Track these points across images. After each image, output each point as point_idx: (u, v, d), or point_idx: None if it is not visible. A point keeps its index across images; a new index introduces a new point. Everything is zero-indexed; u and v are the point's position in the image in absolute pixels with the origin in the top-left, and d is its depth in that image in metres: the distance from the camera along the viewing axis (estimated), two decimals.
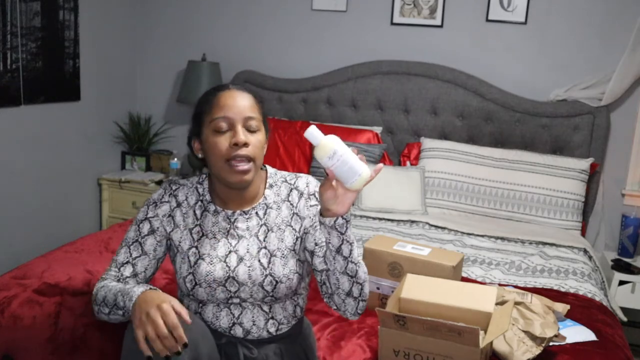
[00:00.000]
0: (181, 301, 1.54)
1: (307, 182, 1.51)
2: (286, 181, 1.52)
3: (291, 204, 1.49)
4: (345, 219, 1.31)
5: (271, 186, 1.51)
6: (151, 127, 3.91)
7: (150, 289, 1.33)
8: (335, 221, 1.31)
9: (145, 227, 1.49)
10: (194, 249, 1.47)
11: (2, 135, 2.93)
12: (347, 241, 1.34)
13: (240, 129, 1.39)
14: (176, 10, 3.82)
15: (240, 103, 1.41)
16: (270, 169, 1.54)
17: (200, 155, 1.48)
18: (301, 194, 1.49)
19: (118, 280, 1.46)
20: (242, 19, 3.71)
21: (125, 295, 1.34)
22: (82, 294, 1.87)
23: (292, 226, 1.47)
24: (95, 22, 3.47)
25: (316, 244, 1.42)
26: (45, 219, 3.27)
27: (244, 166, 1.39)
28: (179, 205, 1.50)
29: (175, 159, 3.59)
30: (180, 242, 1.49)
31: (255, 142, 1.41)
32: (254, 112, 1.42)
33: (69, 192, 3.44)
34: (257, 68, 3.69)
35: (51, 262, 2.09)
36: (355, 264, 1.37)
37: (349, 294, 1.39)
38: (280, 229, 1.47)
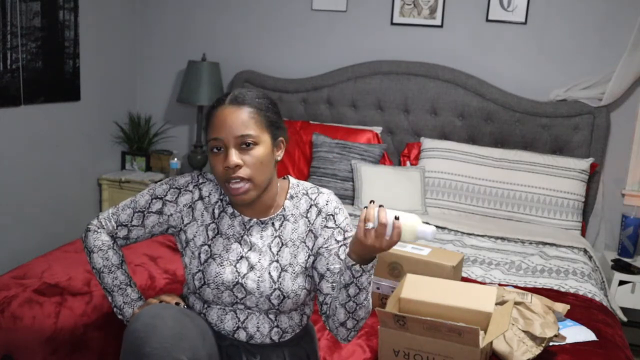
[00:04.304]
0: (186, 300, 1.54)
1: (328, 200, 1.46)
2: (307, 194, 1.48)
3: (308, 221, 1.46)
4: (363, 269, 1.30)
5: (292, 197, 1.48)
6: (151, 127, 3.91)
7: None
8: (352, 265, 1.30)
9: (156, 206, 1.49)
10: (206, 247, 1.46)
11: (2, 135, 2.93)
12: (357, 285, 1.32)
13: (231, 150, 1.34)
14: (176, 10, 3.82)
15: (231, 122, 1.34)
16: (292, 180, 1.51)
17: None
18: (319, 212, 1.45)
19: (111, 237, 1.53)
20: (242, 19, 3.71)
21: (126, 298, 1.51)
22: (82, 294, 1.87)
23: (305, 243, 1.45)
24: (95, 22, 3.47)
25: (328, 269, 1.42)
26: (45, 219, 3.27)
27: (239, 188, 1.36)
28: (201, 198, 1.49)
29: (175, 159, 3.59)
30: (194, 236, 1.48)
31: (252, 160, 1.35)
32: (248, 128, 1.35)
33: (69, 192, 3.44)
34: (257, 68, 3.69)
35: (51, 262, 2.09)
36: (358, 304, 1.35)
37: (342, 324, 1.40)
38: (294, 245, 1.45)
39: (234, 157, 1.34)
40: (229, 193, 1.38)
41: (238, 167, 1.34)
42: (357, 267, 1.30)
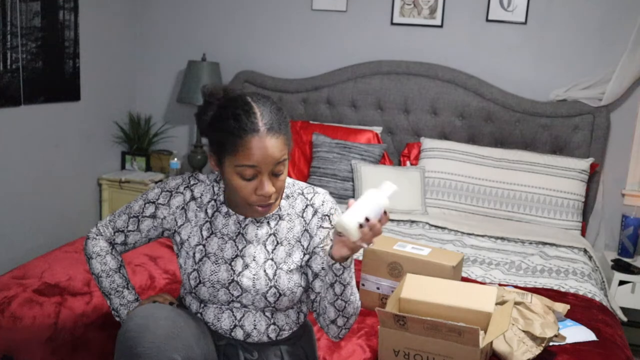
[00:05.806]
0: (183, 301, 1.54)
1: (324, 201, 1.47)
2: (303, 194, 1.48)
3: (304, 220, 1.46)
4: (343, 266, 1.34)
5: (287, 197, 1.48)
6: (151, 127, 3.91)
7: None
8: (332, 264, 1.34)
9: (149, 210, 1.50)
10: (201, 247, 1.46)
11: (2, 135, 2.93)
12: (341, 282, 1.36)
13: (266, 179, 1.32)
14: (176, 10, 3.82)
15: (272, 153, 1.30)
16: (288, 179, 1.50)
17: (216, 171, 1.43)
18: (315, 212, 1.46)
19: (110, 243, 1.54)
20: (242, 19, 3.71)
21: (122, 300, 1.52)
22: (82, 294, 1.87)
23: (301, 242, 1.46)
24: (95, 22, 3.47)
25: (322, 268, 1.44)
26: (45, 219, 3.27)
27: (266, 209, 1.38)
28: (193, 199, 1.49)
29: (175, 159, 3.59)
30: (189, 237, 1.48)
31: (280, 184, 1.36)
32: (284, 154, 1.33)
33: (68, 192, 3.44)
34: (257, 68, 3.69)
35: (51, 262, 2.09)
36: (346, 301, 1.39)
37: (333, 322, 1.43)
38: (290, 243, 1.46)
39: (270, 186, 1.33)
40: (250, 210, 1.39)
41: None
42: (338, 265, 1.34)
